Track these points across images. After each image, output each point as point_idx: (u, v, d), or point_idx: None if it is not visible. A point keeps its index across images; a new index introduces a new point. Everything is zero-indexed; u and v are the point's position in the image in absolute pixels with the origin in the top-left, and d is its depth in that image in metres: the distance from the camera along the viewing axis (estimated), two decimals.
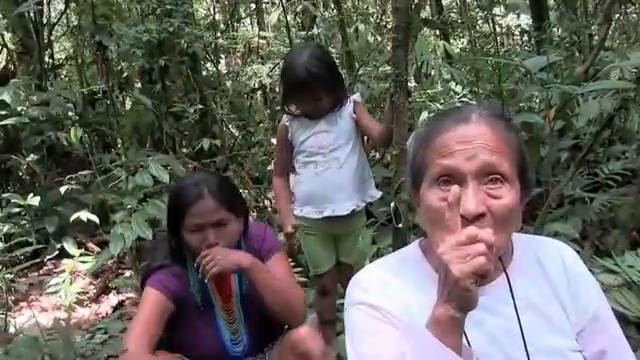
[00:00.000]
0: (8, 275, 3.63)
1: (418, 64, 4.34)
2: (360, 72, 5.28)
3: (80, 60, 6.38)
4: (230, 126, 6.23)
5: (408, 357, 0.89)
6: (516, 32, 7.69)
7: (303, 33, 6.43)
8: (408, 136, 1.11)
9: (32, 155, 5.03)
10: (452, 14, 8.11)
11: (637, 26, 6.93)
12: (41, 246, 4.34)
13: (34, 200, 4.26)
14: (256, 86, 6.74)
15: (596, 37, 4.75)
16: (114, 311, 3.63)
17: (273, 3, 7.89)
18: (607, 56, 3.97)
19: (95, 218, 4.11)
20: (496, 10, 7.32)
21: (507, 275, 0.97)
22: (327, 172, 2.28)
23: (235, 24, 8.28)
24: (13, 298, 3.76)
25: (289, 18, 7.06)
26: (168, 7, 4.89)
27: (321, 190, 2.29)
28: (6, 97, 4.74)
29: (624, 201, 3.11)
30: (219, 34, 7.15)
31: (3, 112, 4.71)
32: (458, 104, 3.85)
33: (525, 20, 6.92)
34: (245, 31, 8.52)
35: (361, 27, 6.00)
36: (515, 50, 7.00)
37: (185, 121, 5.17)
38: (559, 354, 0.98)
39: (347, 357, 1.04)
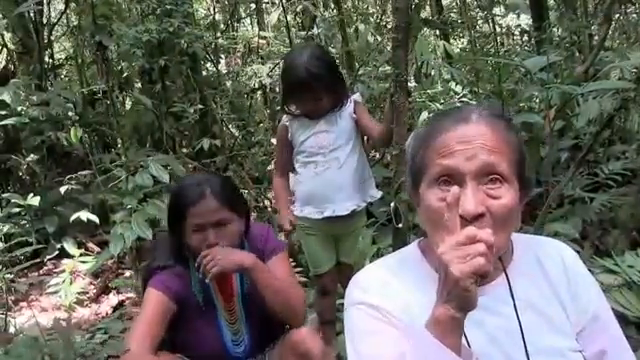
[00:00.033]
0: (8, 275, 3.63)
1: (418, 64, 4.34)
2: (360, 72, 5.28)
3: (80, 60, 6.38)
4: (230, 126, 6.23)
5: (408, 357, 0.89)
6: (516, 32, 7.69)
7: (303, 33, 6.43)
8: (408, 136, 1.11)
9: (32, 155, 5.03)
10: (452, 14, 8.11)
11: (637, 26, 6.93)
12: (41, 246, 4.34)
13: (34, 200, 4.26)
14: (256, 86, 6.75)
15: (596, 37, 4.75)
16: (114, 311, 3.63)
17: (273, 3, 7.89)
18: (607, 56, 3.97)
19: (95, 218, 4.12)
20: (496, 10, 7.31)
21: (507, 275, 0.97)
22: (327, 172, 2.28)
23: (235, 24, 8.28)
24: (13, 298, 3.76)
25: (289, 18, 7.06)
26: (168, 7, 4.89)
27: (321, 190, 2.29)
28: (6, 97, 4.74)
29: (624, 201, 3.11)
30: (219, 34, 7.15)
31: (3, 112, 4.71)
32: (458, 104, 3.85)
33: (525, 20, 6.92)
34: (245, 31, 8.53)
35: (361, 27, 6.01)
36: (515, 50, 7.00)
37: (185, 121, 5.17)
38: (559, 354, 0.98)
39: (347, 357, 1.03)
